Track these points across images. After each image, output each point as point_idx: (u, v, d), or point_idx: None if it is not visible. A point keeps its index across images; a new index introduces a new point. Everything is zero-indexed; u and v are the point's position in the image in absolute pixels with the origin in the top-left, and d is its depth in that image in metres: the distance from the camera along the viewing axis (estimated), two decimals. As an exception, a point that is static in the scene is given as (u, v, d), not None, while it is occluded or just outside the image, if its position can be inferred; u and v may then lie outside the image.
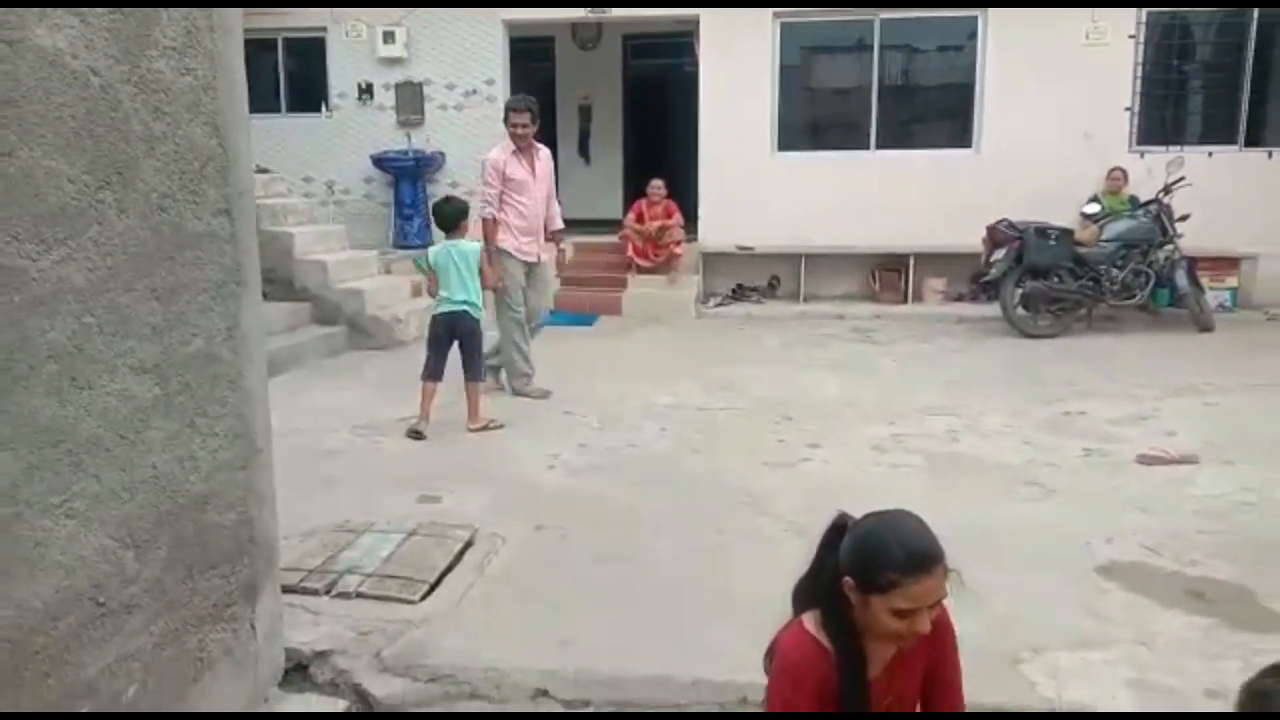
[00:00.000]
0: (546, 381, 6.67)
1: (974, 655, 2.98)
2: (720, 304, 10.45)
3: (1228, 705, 2.75)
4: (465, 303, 5.81)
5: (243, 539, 2.72)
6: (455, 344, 5.83)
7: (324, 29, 11.21)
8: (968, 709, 2.27)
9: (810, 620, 2.02)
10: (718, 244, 10.61)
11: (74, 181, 2.06)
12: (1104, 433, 5.52)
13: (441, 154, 11.14)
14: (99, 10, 2.13)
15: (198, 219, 2.50)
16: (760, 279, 10.83)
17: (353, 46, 11.16)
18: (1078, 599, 3.44)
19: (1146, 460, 4.99)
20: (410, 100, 11.16)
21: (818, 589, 2.03)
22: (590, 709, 2.91)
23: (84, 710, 2.16)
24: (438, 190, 11.22)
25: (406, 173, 10.98)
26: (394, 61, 11.09)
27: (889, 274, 10.30)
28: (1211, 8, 9.99)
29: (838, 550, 1.98)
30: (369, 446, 5.45)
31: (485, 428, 5.74)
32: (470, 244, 5.95)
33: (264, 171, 9.37)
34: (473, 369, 5.83)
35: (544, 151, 6.69)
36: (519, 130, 6.47)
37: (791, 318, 9.83)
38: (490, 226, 6.42)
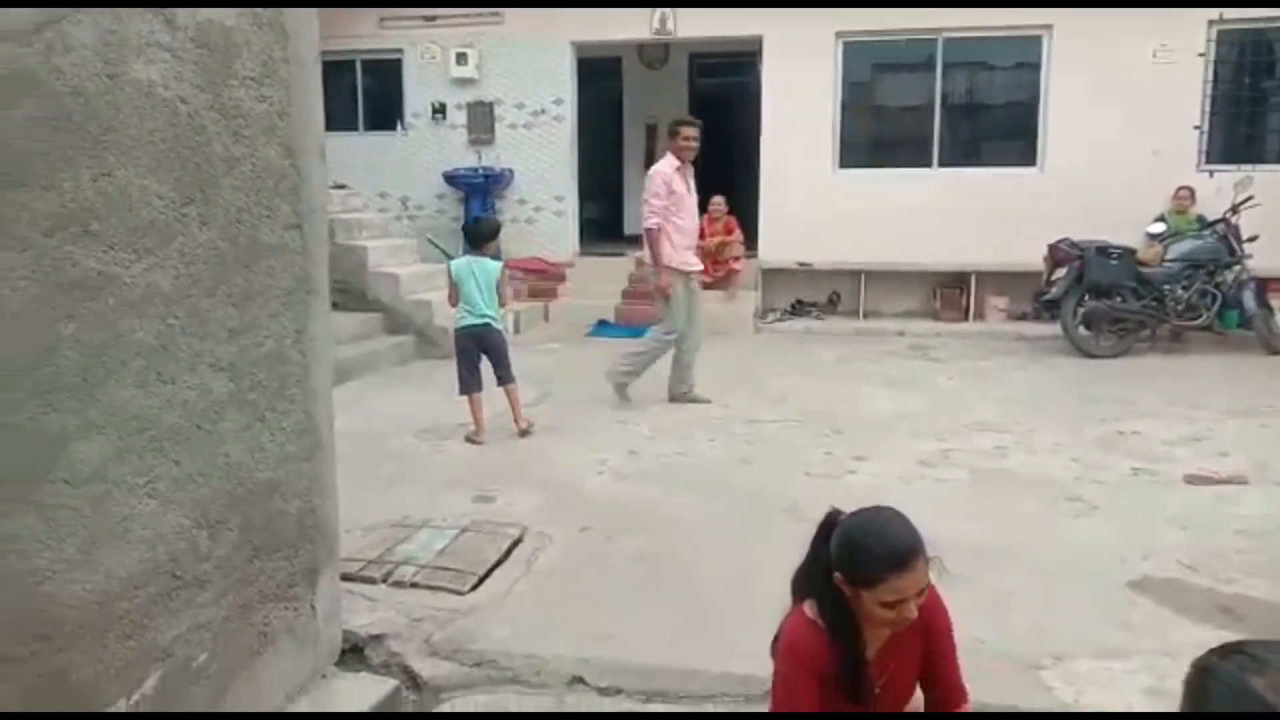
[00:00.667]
0: (591, 390, 6.87)
1: (996, 660, 3.13)
2: (779, 319, 10.56)
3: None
4: (485, 316, 6.08)
5: (306, 526, 2.96)
6: (483, 356, 6.08)
7: (400, 51, 11.68)
8: (978, 709, 2.40)
9: (810, 608, 2.19)
10: (777, 260, 10.74)
11: (162, 198, 2.32)
12: (1155, 452, 5.51)
13: (510, 171, 11.48)
14: (189, 45, 2.40)
15: (271, 232, 2.76)
16: (820, 295, 10.92)
17: (427, 68, 11.60)
18: (1106, 611, 3.50)
19: (1194, 480, 4.98)
20: (481, 119, 11.54)
21: (813, 580, 2.19)
22: (622, 695, 3.08)
23: (157, 673, 2.40)
24: (506, 206, 11.59)
25: (476, 189, 11.34)
26: (466, 82, 11.48)
27: (950, 291, 10.30)
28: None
29: (829, 544, 2.14)
30: (431, 450, 5.72)
31: (531, 426, 6.00)
32: (492, 262, 6.21)
33: (341, 187, 9.79)
34: (505, 375, 6.12)
35: (691, 169, 6.83)
36: (690, 144, 6.60)
37: (850, 334, 9.90)
38: (656, 236, 6.59)
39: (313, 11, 3.01)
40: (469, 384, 6.00)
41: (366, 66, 11.95)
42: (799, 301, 10.91)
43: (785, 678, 2.14)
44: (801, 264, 10.68)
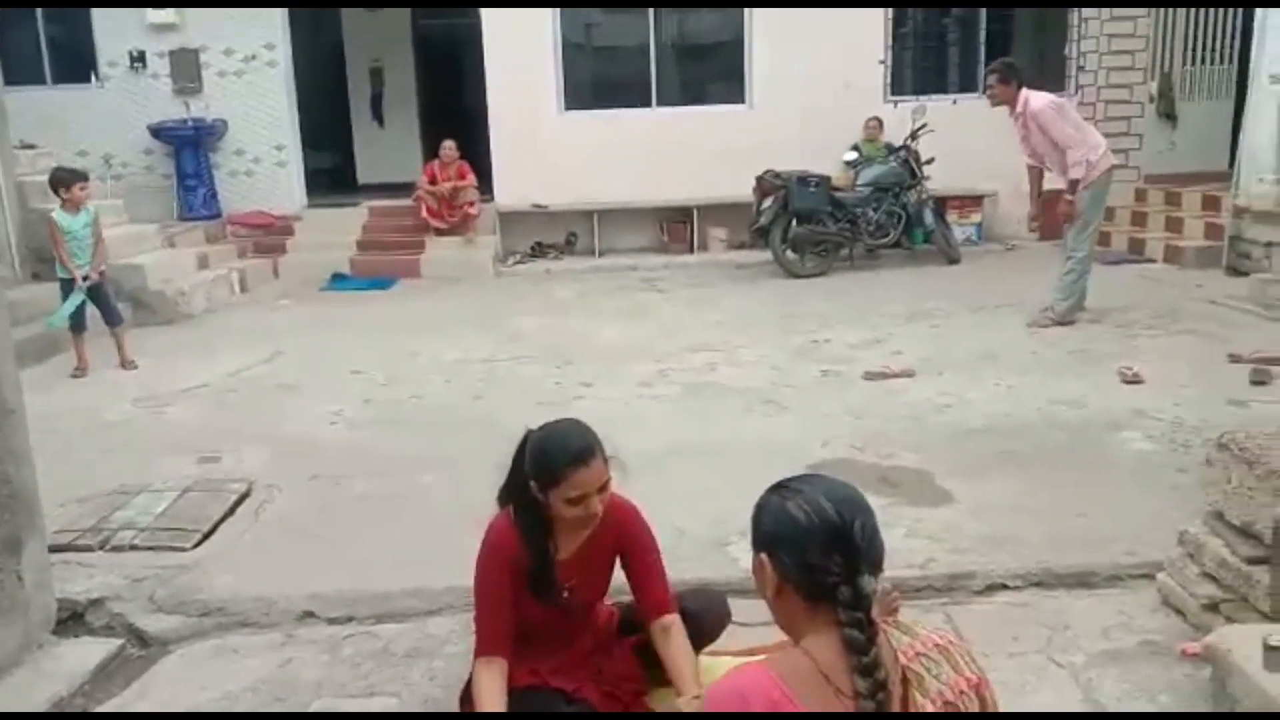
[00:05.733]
0: (330, 347, 6.84)
1: (692, 542, 3.55)
2: (519, 262, 10.76)
3: (887, 560, 3.36)
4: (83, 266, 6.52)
5: (1, 495, 2.89)
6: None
7: (85, -7, 10.71)
8: (679, 586, 2.74)
9: (509, 513, 2.44)
10: (513, 203, 10.90)
11: None
12: (842, 356, 6.22)
13: (223, 121, 10.89)
14: None
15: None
16: (558, 236, 11.19)
17: (118, 14, 10.70)
18: (788, 493, 4.00)
19: (871, 376, 5.70)
20: (186, 68, 10.83)
21: (513, 491, 2.45)
22: (353, 623, 3.24)
23: None
24: (222, 159, 11.03)
25: (187, 142, 10.67)
26: (166, 28, 10.72)
27: (676, 226, 10.87)
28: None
29: (524, 460, 2.40)
30: (150, 416, 5.53)
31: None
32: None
33: (30, 147, 8.96)
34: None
35: None
36: None
37: (587, 271, 10.25)
38: None
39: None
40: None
41: (49, 13, 10.88)
42: (538, 243, 11.13)
43: (480, 568, 2.40)
44: (537, 206, 10.89)
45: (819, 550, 1.52)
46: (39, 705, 2.74)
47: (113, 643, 3.14)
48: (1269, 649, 2.23)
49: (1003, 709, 2.53)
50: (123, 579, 3.45)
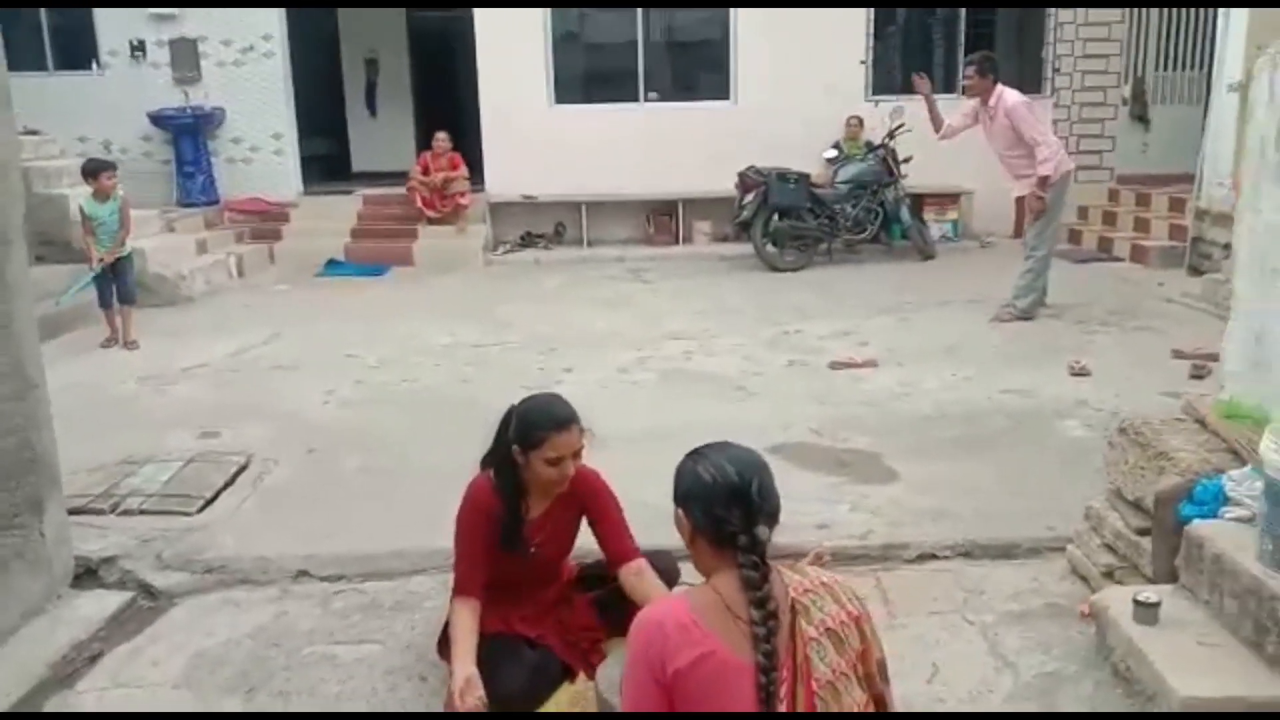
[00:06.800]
0: (325, 331, 7.15)
1: (654, 512, 3.84)
2: (509, 251, 11.06)
3: (830, 532, 3.70)
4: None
5: (25, 459, 3.21)
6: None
7: (87, -18, 10.96)
8: (647, 550, 3.06)
9: (490, 474, 2.78)
10: (504, 194, 11.19)
11: None
12: (811, 346, 6.56)
13: (221, 110, 11.17)
14: None
15: (-39, 189, 2.95)
16: (547, 227, 11.48)
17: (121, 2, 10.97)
18: (747, 471, 4.34)
19: (837, 366, 6.03)
20: (185, 57, 11.09)
21: (496, 455, 2.78)
22: (343, 581, 3.57)
23: None
24: (220, 146, 11.30)
25: (186, 130, 10.94)
26: (165, 18, 10.98)
27: (662, 218, 11.17)
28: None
29: (509, 429, 2.73)
30: (154, 393, 5.84)
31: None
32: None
33: (33, 133, 9.22)
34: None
35: None
36: None
37: (575, 262, 10.56)
38: None
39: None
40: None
41: (51, -1, 11.15)
42: (528, 233, 11.43)
43: (461, 520, 2.75)
44: (526, 197, 11.18)
45: (722, 505, 1.85)
46: (61, 647, 3.06)
47: (125, 595, 3.46)
48: (1138, 604, 2.58)
49: (916, 660, 2.89)
50: (133, 539, 3.77)
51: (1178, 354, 5.97)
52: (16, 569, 3.16)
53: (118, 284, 7.10)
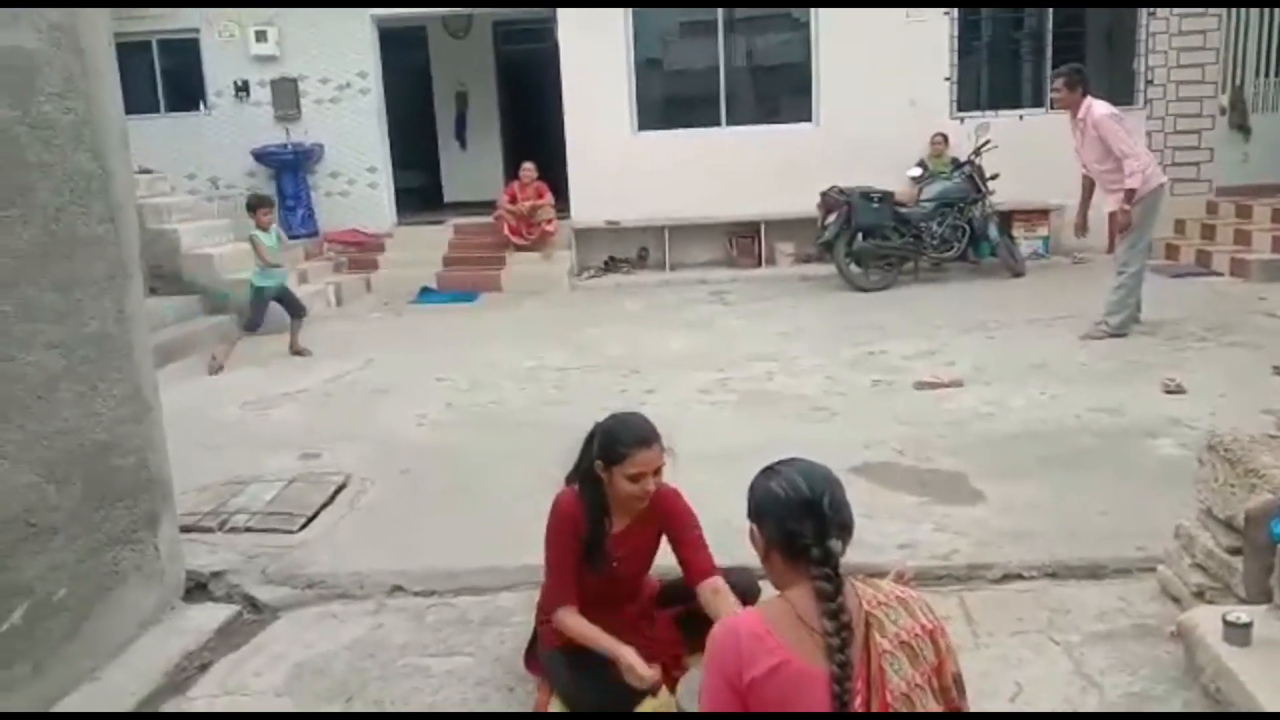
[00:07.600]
0: (418, 356, 7.38)
1: (735, 532, 3.89)
2: (593, 276, 11.25)
3: (913, 552, 3.69)
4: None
5: (142, 478, 3.43)
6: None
7: (197, 30, 11.60)
8: (733, 564, 3.11)
9: (576, 488, 2.88)
10: (588, 220, 11.40)
11: (-12, 205, 2.75)
12: (895, 366, 6.51)
13: (320, 146, 11.66)
14: (-4, 70, 2.81)
15: (86, 227, 3.19)
16: (630, 251, 11.66)
17: (226, 46, 11.58)
18: (828, 491, 4.35)
19: (922, 386, 5.98)
20: (286, 95, 11.64)
21: (581, 470, 2.88)
22: (436, 596, 3.70)
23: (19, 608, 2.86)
24: (319, 181, 11.79)
25: (287, 166, 11.47)
26: (268, 59, 11.55)
27: (744, 240, 11.23)
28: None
29: (593, 444, 2.83)
30: (256, 418, 6.12)
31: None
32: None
33: (146, 172, 9.78)
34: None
35: None
36: None
37: (657, 285, 10.69)
38: None
39: (103, 23, 3.42)
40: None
41: (163, 46, 11.81)
42: (611, 258, 11.61)
43: (552, 532, 2.86)
44: (610, 222, 11.38)
45: (794, 518, 1.91)
46: (175, 656, 3.26)
47: (232, 608, 3.65)
48: (1228, 625, 2.53)
49: (1000, 679, 2.88)
50: (239, 555, 3.98)
51: (1278, 370, 5.76)
52: (134, 582, 3.37)
53: (285, 303, 7.94)
